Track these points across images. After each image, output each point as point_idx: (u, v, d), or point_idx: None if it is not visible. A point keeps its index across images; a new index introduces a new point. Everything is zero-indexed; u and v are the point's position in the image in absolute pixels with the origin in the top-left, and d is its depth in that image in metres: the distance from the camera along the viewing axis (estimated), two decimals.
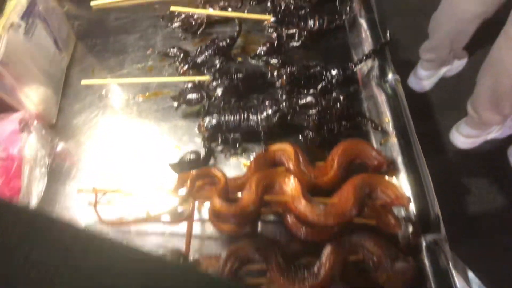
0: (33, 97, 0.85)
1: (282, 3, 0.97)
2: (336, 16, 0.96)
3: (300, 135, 0.81)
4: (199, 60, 0.90)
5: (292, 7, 0.96)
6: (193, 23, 0.98)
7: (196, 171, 0.70)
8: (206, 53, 0.91)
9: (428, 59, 1.82)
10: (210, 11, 0.98)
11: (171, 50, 0.94)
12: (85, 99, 0.92)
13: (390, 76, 0.84)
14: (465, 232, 1.54)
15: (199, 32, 0.98)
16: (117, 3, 1.10)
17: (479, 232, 1.57)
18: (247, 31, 0.98)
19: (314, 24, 0.93)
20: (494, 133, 1.74)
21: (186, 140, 0.84)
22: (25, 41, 0.84)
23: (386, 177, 0.73)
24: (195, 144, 0.83)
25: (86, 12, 1.09)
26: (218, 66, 0.87)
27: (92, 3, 1.11)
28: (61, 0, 1.11)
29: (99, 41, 1.03)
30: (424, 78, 1.91)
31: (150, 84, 0.93)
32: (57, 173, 0.83)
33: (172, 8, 0.95)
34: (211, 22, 0.99)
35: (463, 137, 1.73)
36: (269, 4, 0.96)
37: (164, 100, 0.90)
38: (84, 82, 0.87)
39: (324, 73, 0.87)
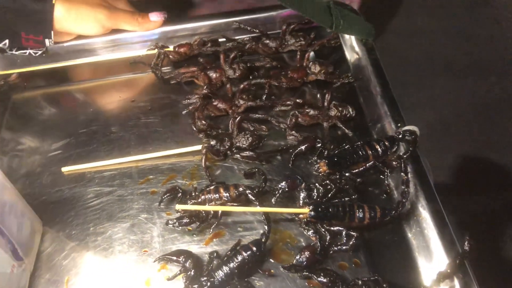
0: None
1: (319, 187, 0.75)
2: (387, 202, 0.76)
3: None
4: (216, 280, 0.66)
5: (332, 192, 0.75)
6: (203, 213, 0.74)
7: None
8: (226, 269, 0.67)
9: None
10: (225, 197, 0.75)
11: (176, 258, 0.70)
12: None
13: None
14: None
15: (212, 227, 0.74)
16: (95, 169, 0.85)
17: None
18: (274, 221, 0.75)
19: (364, 218, 0.72)
20: None
21: None
22: None
23: None
24: None
25: (56, 182, 0.84)
26: None
27: (63, 169, 0.86)
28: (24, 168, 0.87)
29: (75, 232, 0.77)
30: None
31: None
32: None
33: (178, 206, 0.71)
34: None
35: None
36: (302, 192, 0.74)
37: None
38: None
39: None
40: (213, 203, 0.75)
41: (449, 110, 1.95)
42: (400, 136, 0.80)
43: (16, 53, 0.97)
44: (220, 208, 0.73)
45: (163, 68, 1.00)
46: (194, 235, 0.75)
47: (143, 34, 1.03)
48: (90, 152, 0.88)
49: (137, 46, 1.04)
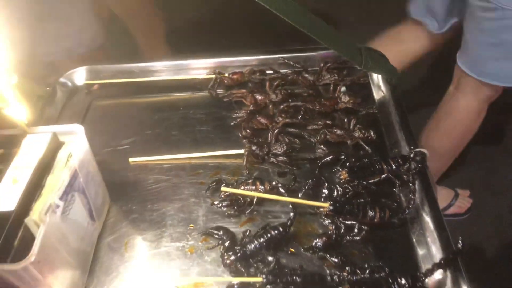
0: None
1: (339, 188, 0.90)
2: (397, 206, 0.90)
3: None
4: (248, 250, 0.81)
5: (350, 194, 0.90)
6: (241, 200, 0.91)
7: None
8: (256, 243, 0.82)
9: None
10: (261, 189, 0.91)
11: (216, 232, 0.86)
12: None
13: None
14: None
15: (247, 212, 0.90)
16: (156, 162, 1.04)
17: None
18: (299, 214, 0.90)
19: (375, 216, 0.86)
20: None
21: None
22: (61, 223, 0.75)
23: None
24: None
25: (123, 169, 1.03)
26: (271, 266, 0.78)
27: (130, 160, 1.05)
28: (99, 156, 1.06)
29: (135, 207, 0.95)
30: None
31: (190, 269, 0.83)
32: None
33: (223, 188, 0.88)
34: (260, 199, 0.92)
35: None
36: (325, 190, 0.89)
37: None
38: None
39: (391, 280, 0.77)
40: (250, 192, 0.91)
41: None
42: (411, 156, 0.95)
43: None
44: (256, 194, 0.89)
45: (217, 90, 1.21)
46: (232, 218, 0.91)
47: (204, 61, 1.26)
48: (153, 149, 1.07)
49: (198, 71, 1.26)
